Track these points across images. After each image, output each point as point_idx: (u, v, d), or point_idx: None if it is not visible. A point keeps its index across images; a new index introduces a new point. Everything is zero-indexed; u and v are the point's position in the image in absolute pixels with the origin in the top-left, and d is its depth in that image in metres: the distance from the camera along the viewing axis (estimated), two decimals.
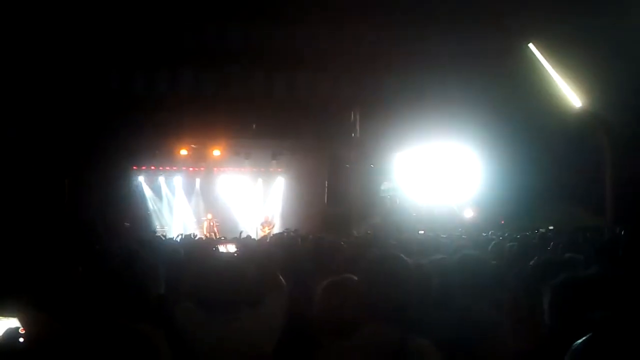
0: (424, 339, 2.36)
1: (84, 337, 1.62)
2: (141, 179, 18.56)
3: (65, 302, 2.86)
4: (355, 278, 2.55)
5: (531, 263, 3.60)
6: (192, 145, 17.57)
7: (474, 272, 3.11)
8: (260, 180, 19.37)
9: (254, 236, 12.57)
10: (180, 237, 11.38)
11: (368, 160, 17.37)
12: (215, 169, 18.91)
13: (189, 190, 19.09)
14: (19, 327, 2.55)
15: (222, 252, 6.21)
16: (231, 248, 6.76)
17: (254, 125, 16.50)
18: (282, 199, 19.15)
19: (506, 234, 9.61)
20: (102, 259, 5.24)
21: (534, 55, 15.52)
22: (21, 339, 2.52)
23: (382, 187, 17.41)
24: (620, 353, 1.71)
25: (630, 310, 1.91)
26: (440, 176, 17.34)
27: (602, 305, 1.97)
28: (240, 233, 13.40)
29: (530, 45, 15.57)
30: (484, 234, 10.34)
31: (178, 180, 18.98)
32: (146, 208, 18.49)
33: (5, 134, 15.08)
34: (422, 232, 13.17)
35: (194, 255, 5.23)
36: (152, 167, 18.61)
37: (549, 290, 2.31)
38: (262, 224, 17.71)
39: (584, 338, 1.77)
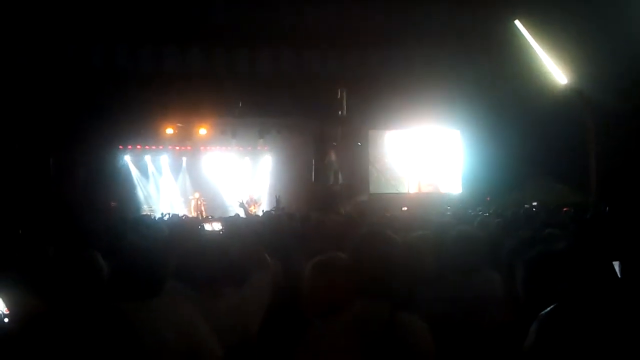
0: (414, 314, 2.39)
1: (70, 316, 1.62)
2: (127, 158, 18.46)
3: (48, 282, 2.86)
4: (343, 256, 2.57)
5: (511, 239, 3.66)
6: (178, 124, 17.47)
7: (467, 248, 3.15)
8: (247, 158, 19.36)
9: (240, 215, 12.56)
10: (167, 216, 11.37)
11: (355, 138, 17.37)
12: (201, 147, 18.85)
13: (176, 169, 19.03)
14: (3, 308, 2.55)
15: (208, 231, 6.21)
16: (217, 226, 6.76)
17: (240, 104, 16.40)
18: (269, 178, 19.15)
19: (491, 211, 9.69)
20: (88, 239, 5.22)
21: (520, 32, 15.49)
22: (6, 320, 2.51)
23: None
24: (582, 323, 1.75)
25: (593, 282, 1.95)
26: (426, 154, 17.38)
27: (571, 279, 2.01)
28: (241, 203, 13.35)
29: (517, 22, 15.53)
30: (470, 211, 10.42)
31: (164, 159, 18.91)
32: (132, 187, 18.42)
33: None
34: (405, 209, 13.25)
35: (179, 234, 5.23)
36: (138, 146, 18.51)
37: (521, 265, 2.35)
38: (247, 202, 17.72)
39: (548, 309, 1.81)
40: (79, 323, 1.47)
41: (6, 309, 2.54)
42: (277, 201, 17.07)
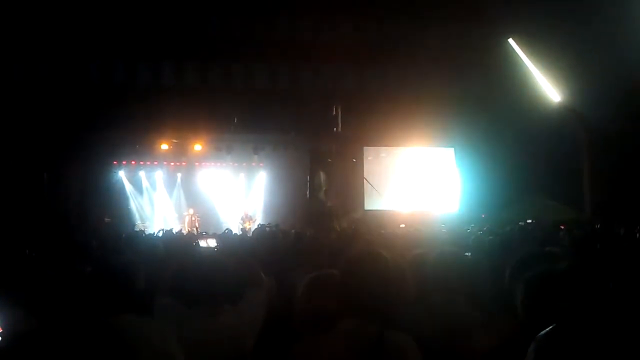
0: (403, 333, 2.38)
1: (62, 333, 1.61)
2: (121, 173, 18.40)
3: (42, 299, 2.83)
4: (336, 273, 2.56)
5: (509, 257, 3.64)
6: (173, 140, 17.47)
7: (450, 268, 3.14)
8: (241, 174, 19.32)
9: (235, 231, 12.53)
10: (161, 232, 11.32)
11: (350, 154, 17.40)
12: (196, 163, 18.82)
13: (170, 185, 18.98)
14: None
15: (203, 247, 6.19)
16: (212, 243, 6.73)
17: (235, 120, 16.43)
18: (264, 194, 19.12)
19: (485, 228, 9.70)
20: (81, 255, 5.19)
21: (514, 50, 15.62)
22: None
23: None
24: (581, 344, 1.75)
25: (593, 303, 1.95)
26: (420, 171, 17.40)
27: (572, 299, 2.01)
28: (225, 231, 13.36)
29: (510, 41, 15.67)
30: (467, 229, 10.43)
31: (159, 174, 18.86)
32: (127, 203, 18.35)
33: None
34: (403, 226, 13.23)
35: (174, 250, 5.21)
36: (133, 162, 18.47)
37: (522, 284, 2.34)
38: (242, 219, 17.67)
39: (547, 329, 1.80)
40: (69, 340, 1.46)
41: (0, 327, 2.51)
42: (248, 217, 17.34)
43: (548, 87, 15.38)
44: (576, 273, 2.12)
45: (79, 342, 1.48)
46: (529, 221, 11.47)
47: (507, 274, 3.00)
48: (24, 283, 3.33)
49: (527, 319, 2.25)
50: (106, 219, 16.37)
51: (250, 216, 17.96)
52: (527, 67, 15.51)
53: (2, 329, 2.51)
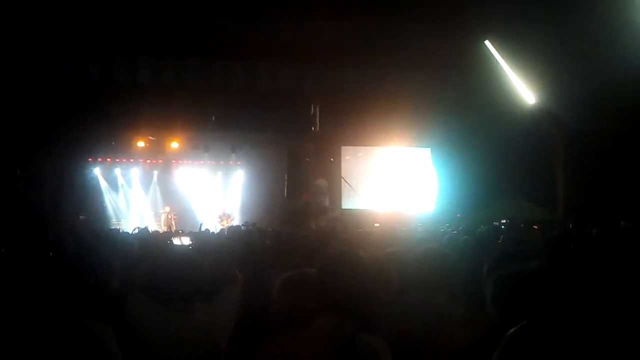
0: (377, 334, 2.40)
1: (30, 333, 1.60)
2: (97, 171, 18.20)
3: (14, 297, 2.80)
4: (313, 272, 2.57)
5: (481, 257, 3.69)
6: (150, 137, 17.33)
7: (433, 265, 3.17)
8: (219, 173, 19.24)
9: (212, 230, 12.48)
10: (136, 229, 11.22)
11: (327, 154, 17.43)
12: (173, 161, 18.70)
13: (146, 183, 18.82)
14: None
15: (177, 245, 6.16)
16: (186, 241, 6.70)
17: (213, 117, 16.36)
18: (241, 192, 19.07)
19: (461, 228, 9.80)
20: (55, 252, 5.14)
21: (490, 52, 15.79)
22: None
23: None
24: (549, 343, 1.78)
25: (562, 302, 1.99)
26: (398, 171, 17.50)
27: (541, 298, 2.04)
28: (200, 225, 13.29)
29: (487, 42, 15.83)
30: (442, 228, 10.51)
31: (135, 172, 18.69)
32: (102, 201, 18.16)
33: None
34: (378, 225, 13.30)
35: (148, 248, 5.18)
36: (108, 159, 18.28)
37: (491, 282, 2.38)
38: (220, 217, 17.60)
39: (515, 328, 1.83)
40: (42, 339, 1.45)
41: None
42: (226, 216, 17.32)
43: (523, 89, 15.56)
44: (546, 272, 2.16)
45: (48, 342, 1.47)
46: (504, 221, 11.60)
47: (483, 273, 3.04)
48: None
49: (498, 317, 2.29)
50: (81, 217, 16.19)
51: (228, 215, 17.89)
52: (503, 68, 15.68)
53: None
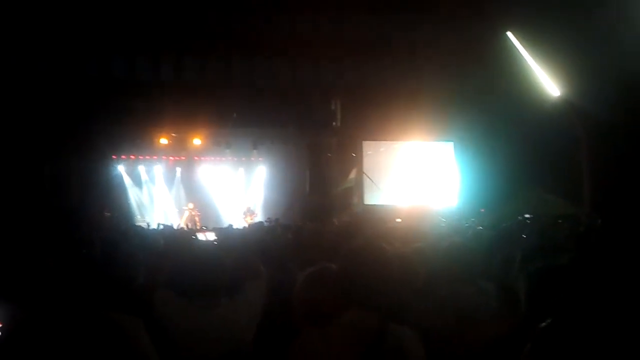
0: (405, 326, 2.39)
1: (61, 328, 1.61)
2: (121, 168, 18.41)
3: (40, 293, 2.84)
4: (335, 267, 2.57)
5: (507, 251, 3.66)
6: (173, 134, 17.48)
7: (459, 259, 3.15)
8: (241, 169, 19.33)
9: (236, 226, 12.54)
10: (160, 226, 11.34)
11: (349, 149, 17.40)
12: (195, 158, 18.83)
13: (170, 180, 18.99)
14: None
15: (202, 240, 6.20)
16: (211, 237, 6.75)
17: (234, 114, 16.43)
18: (263, 188, 19.13)
19: (485, 222, 9.71)
20: (82, 248, 5.20)
21: (512, 44, 15.59)
22: None
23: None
24: (582, 336, 1.76)
25: (592, 296, 1.96)
26: (420, 165, 17.39)
27: (574, 292, 2.02)
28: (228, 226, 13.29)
29: (509, 34, 15.64)
30: (466, 223, 10.43)
31: (158, 169, 18.86)
32: (126, 197, 18.37)
33: None
34: (400, 220, 13.23)
35: (174, 244, 5.22)
36: (132, 156, 18.48)
37: (524, 278, 2.35)
38: (244, 214, 17.69)
39: (547, 321, 1.81)
40: (69, 333, 1.46)
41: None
42: (250, 212, 17.30)
43: (547, 81, 15.35)
44: (578, 267, 2.14)
45: (79, 336, 1.48)
46: (528, 215, 11.47)
47: (513, 268, 3.01)
48: (24, 277, 3.35)
49: (530, 312, 2.27)
50: (106, 213, 16.38)
51: (252, 210, 17.98)
52: (526, 61, 15.48)
53: (1, 323, 2.52)
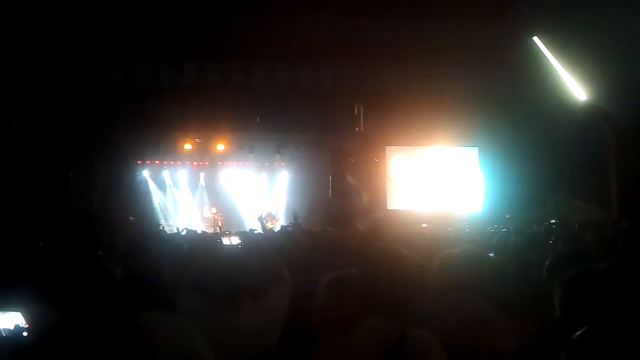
0: (426, 331, 2.36)
1: (88, 329, 1.62)
2: (145, 173, 18.58)
3: (68, 295, 2.86)
4: (356, 272, 2.56)
5: (534, 257, 3.60)
6: (196, 139, 17.60)
7: (471, 266, 3.10)
8: (264, 174, 19.38)
9: (258, 230, 12.56)
10: (184, 231, 11.40)
11: (372, 154, 17.34)
12: (219, 162, 18.92)
13: (193, 185, 19.11)
14: (23, 322, 2.55)
15: (226, 244, 6.22)
16: (235, 240, 6.76)
17: (257, 119, 16.49)
18: (286, 193, 19.16)
19: (511, 228, 9.60)
20: (106, 252, 5.25)
21: (539, 48, 15.43)
22: (25, 333, 2.52)
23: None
24: (618, 346, 1.71)
25: (628, 304, 1.91)
26: (444, 171, 17.26)
27: (609, 299, 1.97)
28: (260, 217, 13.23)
29: (535, 39, 15.48)
30: (490, 229, 10.33)
31: (182, 174, 19.01)
32: (150, 202, 18.53)
33: (10, 127, 15.14)
34: (425, 225, 13.13)
35: (198, 248, 5.24)
36: (157, 161, 18.63)
37: (559, 285, 2.30)
38: (265, 218, 17.71)
39: (582, 330, 1.77)
40: (95, 336, 1.47)
41: (25, 323, 2.54)
42: (295, 217, 17.02)
43: (574, 85, 15.16)
44: (616, 273, 2.09)
45: (104, 338, 1.48)
46: (554, 221, 11.33)
47: (543, 274, 2.95)
48: (50, 279, 3.38)
49: (565, 320, 2.22)
50: (130, 218, 16.54)
51: (273, 215, 18.00)
52: (552, 65, 15.31)
53: (28, 323, 2.54)
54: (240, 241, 6.60)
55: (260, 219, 8.04)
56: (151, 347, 1.55)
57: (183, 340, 2.54)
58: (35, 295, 2.99)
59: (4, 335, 2.50)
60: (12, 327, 2.52)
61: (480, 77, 15.68)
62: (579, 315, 2.06)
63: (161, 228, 15.90)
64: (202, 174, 19.11)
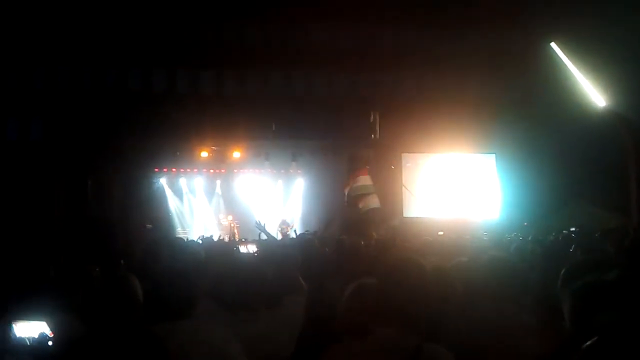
0: (441, 344, 2.34)
1: (108, 340, 1.63)
2: (162, 180, 18.70)
3: (90, 305, 2.88)
4: (375, 282, 2.55)
5: (553, 266, 3.56)
6: (213, 147, 17.68)
7: (500, 275, 3.07)
8: (280, 181, 19.40)
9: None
10: (201, 238, 11.43)
11: (388, 161, 17.29)
12: (235, 170, 18.98)
13: (210, 192, 19.18)
14: (48, 331, 2.57)
15: (243, 253, 6.22)
16: (252, 248, 6.76)
17: (273, 126, 16.54)
18: (302, 201, 19.16)
19: (530, 237, 9.51)
20: (124, 260, 5.28)
21: (557, 54, 15.33)
22: (50, 342, 2.54)
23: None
24: (626, 356, 1.69)
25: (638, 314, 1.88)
26: (460, 178, 17.16)
27: (620, 309, 1.94)
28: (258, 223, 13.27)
29: (553, 45, 15.38)
30: (507, 237, 10.24)
31: (199, 182, 19.09)
32: (167, 210, 18.63)
33: (29, 135, 15.34)
34: (442, 233, 13.06)
35: (215, 256, 5.25)
36: (173, 169, 18.74)
37: (569, 293, 2.27)
38: (281, 226, 17.71)
39: (592, 340, 1.75)
40: (116, 346, 1.48)
41: (51, 332, 2.56)
42: (327, 225, 17.06)
43: (592, 92, 15.03)
44: (627, 282, 2.05)
45: (127, 350, 1.49)
46: (573, 229, 11.21)
47: (558, 283, 2.92)
48: (70, 288, 3.41)
49: (575, 328, 2.19)
50: (147, 226, 16.63)
51: (288, 223, 17.99)
52: (570, 71, 15.20)
53: (53, 333, 2.56)
54: (256, 249, 6.59)
55: (259, 226, 7.52)
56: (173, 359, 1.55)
57: (219, 351, 2.54)
58: (59, 305, 3.01)
59: (29, 344, 2.52)
60: (37, 336, 2.54)
61: (497, 84, 15.61)
62: (588, 325, 2.04)
63: (178, 236, 15.96)
64: (218, 182, 19.17)
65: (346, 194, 15.01)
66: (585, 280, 2.27)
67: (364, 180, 15.02)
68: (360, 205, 14.79)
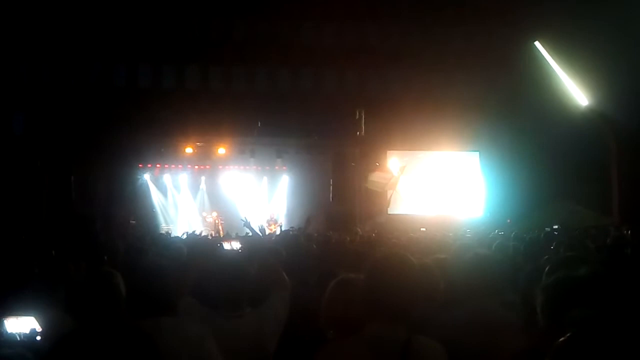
0: (430, 338, 2.36)
1: (98, 336, 1.63)
2: (147, 176, 18.60)
3: (77, 301, 2.88)
4: (360, 277, 2.56)
5: (534, 263, 3.60)
6: (198, 143, 17.62)
7: (484, 271, 3.09)
8: (265, 178, 19.38)
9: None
10: (185, 234, 11.39)
11: (373, 158, 17.34)
12: (220, 167, 18.93)
13: (194, 188, 19.13)
14: (37, 326, 2.57)
15: (227, 249, 6.21)
16: (235, 245, 6.74)
17: (259, 123, 16.52)
18: (287, 197, 19.16)
19: (513, 234, 9.58)
20: (107, 257, 5.26)
21: (540, 53, 15.45)
22: (38, 337, 2.54)
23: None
24: (598, 353, 1.71)
25: (612, 309, 1.90)
26: (445, 175, 17.24)
27: (591, 305, 1.96)
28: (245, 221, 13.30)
29: (537, 44, 15.49)
30: (490, 234, 10.29)
31: (183, 178, 19.02)
32: (151, 205, 18.54)
33: (12, 130, 15.18)
34: (424, 229, 13.13)
35: (198, 252, 5.24)
36: (158, 165, 18.66)
37: (540, 290, 2.30)
38: (267, 222, 17.70)
39: (564, 337, 1.77)
40: (103, 341, 1.48)
41: (39, 327, 2.56)
42: (308, 222, 17.01)
43: (575, 91, 15.16)
44: (602, 279, 2.08)
45: (114, 346, 1.49)
46: (555, 227, 11.31)
47: (525, 280, 2.95)
48: (56, 284, 3.40)
49: (547, 324, 2.21)
50: (131, 221, 16.54)
51: (275, 219, 17.99)
52: (554, 70, 15.32)
53: (41, 328, 2.56)
54: (240, 246, 6.58)
55: (247, 224, 7.53)
56: (161, 355, 1.55)
57: (195, 347, 2.54)
58: (47, 301, 3.01)
59: (19, 339, 2.53)
60: (27, 331, 2.56)
61: (481, 82, 15.71)
62: (561, 321, 2.06)
63: (162, 232, 15.89)
64: (203, 178, 19.12)
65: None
66: (556, 276, 2.30)
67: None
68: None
